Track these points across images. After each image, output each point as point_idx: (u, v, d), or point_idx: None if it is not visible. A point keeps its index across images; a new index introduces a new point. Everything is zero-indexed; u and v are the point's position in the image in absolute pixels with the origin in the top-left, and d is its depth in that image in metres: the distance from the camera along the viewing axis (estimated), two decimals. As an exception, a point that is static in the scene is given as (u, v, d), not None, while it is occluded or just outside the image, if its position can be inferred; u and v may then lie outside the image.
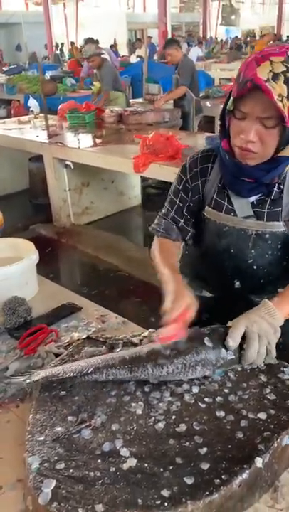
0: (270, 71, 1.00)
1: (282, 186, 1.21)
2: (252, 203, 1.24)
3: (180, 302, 1.07)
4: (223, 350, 1.06)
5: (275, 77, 0.99)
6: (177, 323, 1.04)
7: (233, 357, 1.06)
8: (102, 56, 5.69)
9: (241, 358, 1.05)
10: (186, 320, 1.06)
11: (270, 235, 1.25)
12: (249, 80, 1.01)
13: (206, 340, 1.07)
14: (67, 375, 1.06)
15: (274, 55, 1.01)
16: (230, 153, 1.17)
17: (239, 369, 1.09)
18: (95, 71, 6.26)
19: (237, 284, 1.34)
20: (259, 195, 1.23)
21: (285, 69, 1.00)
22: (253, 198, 1.24)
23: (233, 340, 1.04)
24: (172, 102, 5.49)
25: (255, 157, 1.12)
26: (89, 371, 1.05)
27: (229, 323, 1.09)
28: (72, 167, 4.52)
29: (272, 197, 1.22)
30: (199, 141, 4.01)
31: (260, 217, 1.24)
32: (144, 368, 1.04)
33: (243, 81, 1.03)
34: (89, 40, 6.01)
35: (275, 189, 1.21)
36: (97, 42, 6.18)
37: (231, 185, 1.24)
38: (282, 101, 1.00)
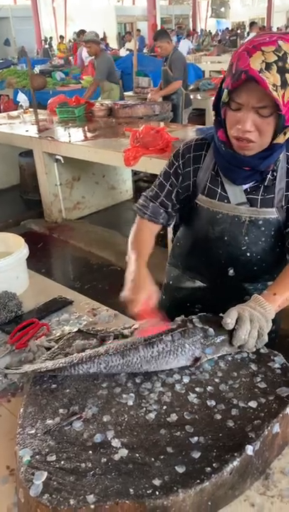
0: (263, 61, 1.00)
1: (275, 173, 1.22)
2: (245, 190, 1.26)
3: (140, 292, 1.12)
4: (211, 329, 1.07)
5: (268, 66, 1.00)
6: (151, 316, 1.08)
7: (224, 337, 1.06)
8: (100, 46, 5.66)
9: (232, 337, 1.05)
10: (152, 310, 1.11)
11: (264, 221, 1.25)
12: (243, 71, 1.01)
13: (195, 321, 1.09)
14: (57, 366, 1.06)
15: (265, 44, 1.02)
16: (227, 143, 1.18)
17: (230, 358, 1.09)
18: (90, 58, 6.22)
19: (231, 271, 1.34)
20: (253, 182, 1.24)
21: (276, 58, 1.00)
22: (246, 185, 1.25)
23: (231, 318, 1.04)
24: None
25: (253, 147, 1.13)
26: (82, 360, 1.05)
27: (221, 315, 1.09)
28: (62, 161, 4.50)
29: (265, 183, 1.23)
30: (189, 134, 4.00)
31: (253, 204, 1.25)
32: (136, 350, 1.04)
33: (236, 73, 1.03)
34: (90, 33, 5.97)
35: (269, 176, 1.22)
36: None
37: (226, 173, 1.25)
38: (276, 90, 1.01)
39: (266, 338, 1.06)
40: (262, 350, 1.10)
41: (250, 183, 1.25)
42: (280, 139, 1.13)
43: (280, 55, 1.01)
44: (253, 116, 1.07)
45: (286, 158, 1.23)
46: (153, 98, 5.35)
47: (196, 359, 1.05)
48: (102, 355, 1.05)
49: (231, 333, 1.06)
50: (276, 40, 1.02)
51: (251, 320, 1.04)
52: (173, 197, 1.36)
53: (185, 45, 13.31)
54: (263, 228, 1.26)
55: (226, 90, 1.09)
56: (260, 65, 1.00)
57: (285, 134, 1.11)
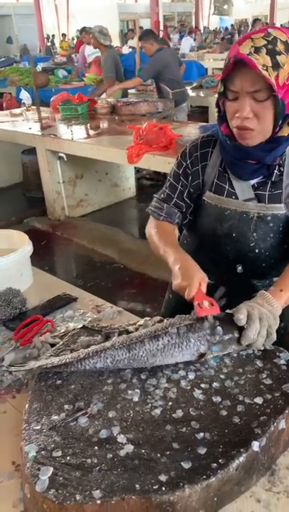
0: (252, 46, 1.03)
1: (282, 168, 1.22)
2: (253, 186, 1.25)
3: (193, 278, 1.10)
4: (219, 327, 1.06)
5: (257, 50, 1.03)
6: (206, 299, 1.07)
7: (232, 335, 1.05)
8: (102, 42, 5.67)
9: (241, 337, 1.04)
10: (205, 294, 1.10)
11: (272, 217, 1.25)
12: (232, 57, 1.04)
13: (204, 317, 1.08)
14: (64, 361, 1.05)
15: (254, 33, 1.06)
16: (230, 136, 1.19)
17: (235, 355, 1.09)
18: (93, 55, 6.24)
19: (239, 268, 1.34)
20: (260, 177, 1.24)
21: (265, 42, 1.03)
22: (253, 181, 1.25)
23: (243, 314, 1.03)
24: (157, 94, 5.55)
25: (254, 136, 1.13)
26: (88, 355, 1.05)
27: (228, 311, 1.09)
28: (65, 159, 4.49)
29: (272, 179, 1.23)
30: (193, 131, 3.99)
31: (261, 200, 1.25)
32: (142, 343, 1.04)
33: (227, 61, 1.07)
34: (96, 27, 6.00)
35: (276, 171, 1.22)
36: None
37: (233, 168, 1.25)
38: (267, 70, 1.02)
39: (275, 337, 1.05)
40: (267, 347, 1.10)
41: (258, 179, 1.24)
42: (285, 131, 1.13)
43: (270, 39, 1.03)
44: (250, 102, 1.08)
45: None
46: (109, 93, 5.51)
47: (201, 355, 1.05)
48: (108, 349, 1.05)
49: (239, 331, 1.05)
50: (266, 29, 1.06)
51: (260, 318, 1.03)
52: (185, 197, 1.36)
53: (187, 43, 13.29)
54: (272, 224, 1.26)
55: (220, 81, 1.12)
56: (249, 49, 1.03)
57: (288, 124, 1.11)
